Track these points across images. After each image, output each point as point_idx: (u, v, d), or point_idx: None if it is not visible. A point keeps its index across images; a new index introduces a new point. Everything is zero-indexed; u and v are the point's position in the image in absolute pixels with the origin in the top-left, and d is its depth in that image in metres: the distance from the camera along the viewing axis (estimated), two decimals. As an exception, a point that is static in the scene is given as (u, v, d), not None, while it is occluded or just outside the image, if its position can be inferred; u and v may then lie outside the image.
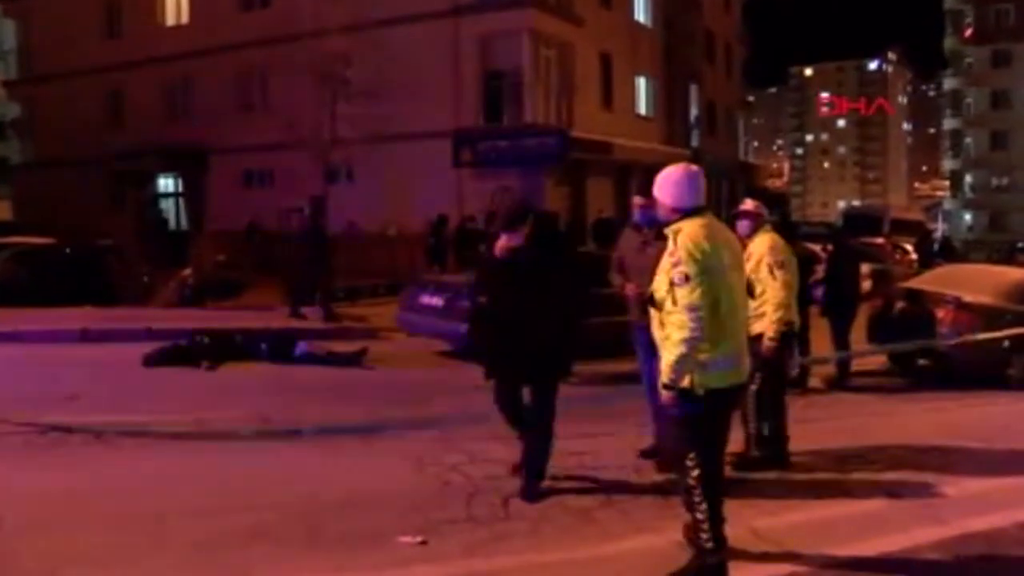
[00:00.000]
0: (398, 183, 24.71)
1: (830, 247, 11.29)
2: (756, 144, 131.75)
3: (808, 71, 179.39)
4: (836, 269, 10.67)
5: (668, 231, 4.23)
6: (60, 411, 7.47)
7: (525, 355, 5.57)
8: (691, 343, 4.00)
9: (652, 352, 4.76)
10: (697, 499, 4.12)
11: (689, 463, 4.13)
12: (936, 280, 12.19)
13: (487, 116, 25.89)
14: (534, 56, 25.68)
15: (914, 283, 12.58)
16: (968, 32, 70.02)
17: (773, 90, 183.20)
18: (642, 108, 33.47)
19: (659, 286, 4.22)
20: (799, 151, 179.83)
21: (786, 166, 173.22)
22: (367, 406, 8.36)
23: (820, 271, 10.78)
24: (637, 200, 6.10)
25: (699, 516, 4.12)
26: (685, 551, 4.51)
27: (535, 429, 5.67)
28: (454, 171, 25.70)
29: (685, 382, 4.06)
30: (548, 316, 5.55)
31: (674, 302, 4.06)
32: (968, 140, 72.34)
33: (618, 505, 5.37)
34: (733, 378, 4.19)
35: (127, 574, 4.23)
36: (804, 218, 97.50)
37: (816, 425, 8.12)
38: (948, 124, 77.99)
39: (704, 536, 4.11)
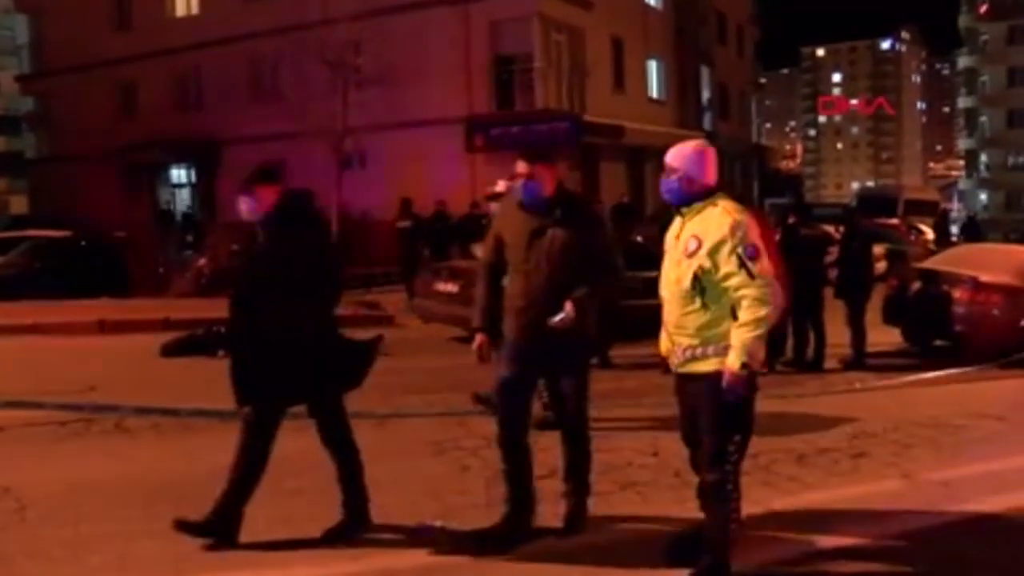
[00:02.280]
0: (411, 170, 24.70)
1: (843, 228, 11.23)
2: (769, 126, 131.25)
3: (820, 51, 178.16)
4: (850, 250, 10.63)
5: (698, 205, 3.95)
6: (80, 401, 7.54)
7: (275, 372, 4.42)
8: (771, 316, 3.80)
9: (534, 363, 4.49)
10: (731, 486, 3.92)
11: (731, 448, 3.90)
12: (952, 260, 12.12)
13: (499, 102, 25.85)
14: (544, 41, 25.59)
15: (930, 263, 12.52)
16: (983, 9, 69.34)
17: (785, 71, 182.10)
18: (654, 91, 33.32)
19: (712, 268, 3.83)
20: (812, 132, 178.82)
21: (799, 148, 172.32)
22: (384, 392, 8.38)
23: (834, 253, 10.75)
24: (521, 168, 4.53)
25: (733, 504, 3.94)
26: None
27: (339, 457, 4.69)
28: (467, 157, 25.68)
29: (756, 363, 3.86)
30: (282, 314, 4.39)
31: (751, 275, 3.75)
32: (983, 119, 71.73)
33: (636, 488, 5.39)
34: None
35: (149, 560, 4.27)
36: (818, 199, 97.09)
37: (832, 405, 8.12)
38: (963, 103, 77.43)
39: (734, 524, 3.96)
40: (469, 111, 25.69)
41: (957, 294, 10.54)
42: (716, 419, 3.89)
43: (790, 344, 10.33)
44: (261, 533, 4.51)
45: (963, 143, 78.78)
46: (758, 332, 3.76)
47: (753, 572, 4.18)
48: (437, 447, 6.32)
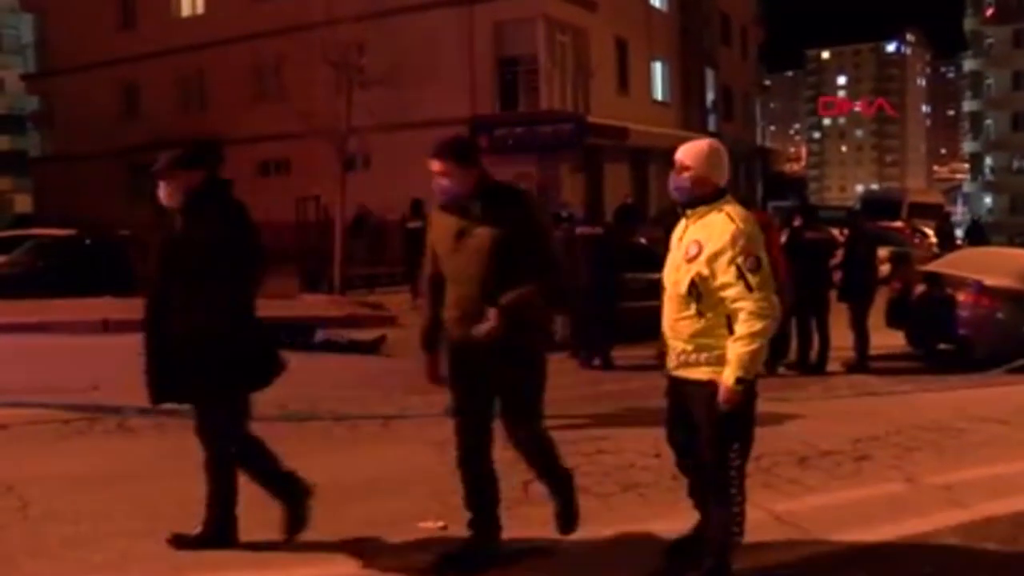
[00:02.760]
0: (416, 171, 24.57)
1: (847, 231, 11.23)
2: (773, 128, 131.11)
3: (825, 54, 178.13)
4: (854, 253, 10.62)
5: (703, 209, 3.88)
6: (83, 400, 7.56)
7: (166, 364, 4.22)
8: (770, 329, 3.71)
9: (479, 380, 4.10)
10: (735, 491, 3.87)
11: (732, 454, 3.85)
12: (956, 263, 12.12)
13: (503, 103, 25.86)
14: (549, 42, 25.60)
15: (934, 266, 12.51)
16: (989, 12, 69.26)
17: (790, 74, 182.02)
18: (658, 93, 33.32)
19: (709, 275, 3.76)
20: (816, 135, 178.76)
21: (803, 150, 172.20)
22: (386, 392, 8.41)
23: (839, 255, 10.74)
24: (435, 166, 4.11)
25: (736, 509, 3.90)
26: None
27: (213, 463, 4.39)
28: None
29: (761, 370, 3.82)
30: (198, 308, 4.14)
31: (749, 288, 3.67)
32: (988, 122, 71.64)
33: (638, 489, 5.38)
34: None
35: (150, 559, 4.27)
36: (822, 202, 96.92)
37: (835, 408, 8.12)
38: (968, 106, 77.32)
39: (737, 529, 3.92)
40: (473, 112, 25.69)
41: (961, 297, 10.53)
42: (713, 429, 3.84)
43: (793, 346, 10.32)
44: (262, 533, 4.51)
45: (968, 146, 78.69)
46: (754, 346, 3.69)
47: (753, 575, 4.17)
48: (439, 448, 6.30)
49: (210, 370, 4.16)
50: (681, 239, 3.96)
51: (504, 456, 5.99)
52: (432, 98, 24.32)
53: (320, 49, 20.13)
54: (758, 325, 3.67)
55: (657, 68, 33.10)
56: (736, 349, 3.70)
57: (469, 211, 4.03)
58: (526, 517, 4.87)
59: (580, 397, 8.72)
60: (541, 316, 4.21)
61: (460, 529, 4.66)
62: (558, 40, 26.12)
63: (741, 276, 3.68)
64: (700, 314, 3.81)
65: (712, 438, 3.86)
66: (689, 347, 3.86)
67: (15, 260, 16.00)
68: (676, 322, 3.91)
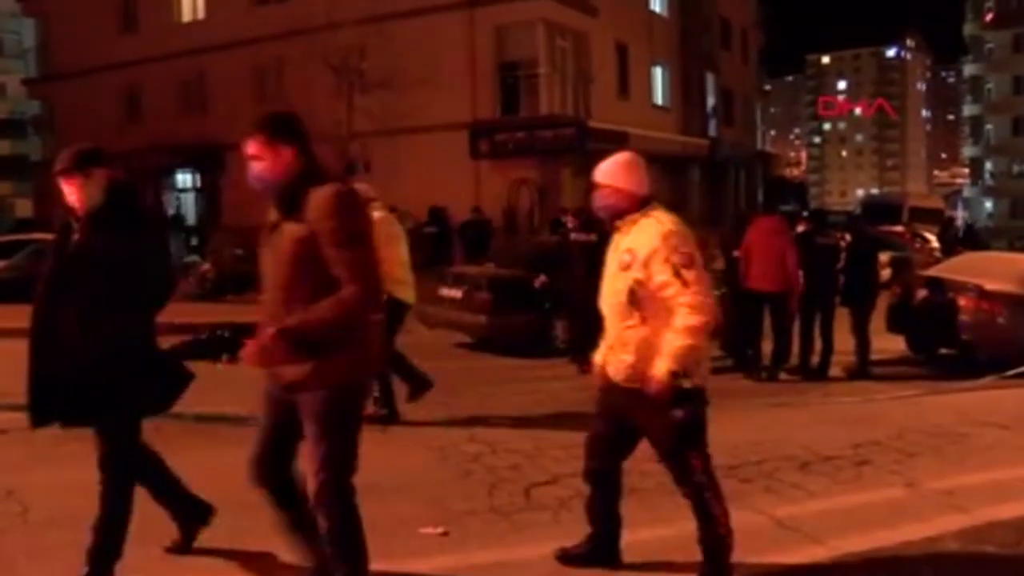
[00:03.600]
0: (416, 175, 24.72)
1: (848, 236, 11.23)
2: (773, 133, 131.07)
3: (825, 59, 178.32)
4: (855, 258, 10.62)
5: (631, 218, 3.92)
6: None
7: (55, 384, 3.81)
8: (708, 326, 3.73)
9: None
10: (709, 495, 3.91)
11: (693, 461, 3.88)
12: (957, 268, 12.11)
13: (504, 107, 25.89)
14: (549, 46, 25.63)
15: (935, 271, 12.50)
16: (989, 16, 69.28)
17: (790, 78, 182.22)
18: (659, 98, 33.34)
19: (643, 278, 3.79)
20: (816, 140, 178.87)
21: (804, 155, 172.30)
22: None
23: (841, 260, 10.74)
24: (248, 148, 3.58)
25: (716, 512, 3.93)
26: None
27: (106, 493, 3.95)
28: (472, 163, 25.71)
29: (696, 380, 3.82)
30: (91, 328, 3.71)
31: (685, 284, 3.68)
32: (989, 126, 71.64)
33: (638, 495, 5.36)
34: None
35: (149, 563, 4.27)
36: (822, 207, 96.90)
37: (836, 413, 8.11)
38: (968, 110, 77.30)
39: (723, 530, 3.94)
40: (474, 116, 25.72)
41: (962, 302, 10.53)
42: (668, 439, 3.88)
43: (795, 351, 10.32)
44: (263, 536, 4.50)
45: (968, 151, 78.67)
46: (690, 341, 3.71)
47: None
48: (440, 453, 6.31)
49: (97, 396, 3.78)
50: (615, 251, 3.99)
51: (506, 461, 6.00)
52: (433, 102, 24.34)
53: (321, 53, 20.21)
54: (694, 319, 3.70)
55: (657, 72, 33.13)
56: (672, 341, 3.73)
57: (282, 203, 3.44)
58: (527, 522, 4.87)
59: (578, 402, 8.70)
60: (341, 342, 3.40)
61: (461, 535, 4.66)
62: (558, 44, 26.14)
63: (676, 274, 3.72)
64: (644, 321, 3.84)
65: (668, 449, 3.91)
66: (635, 358, 3.85)
67: (16, 265, 16.01)
68: (622, 333, 3.91)
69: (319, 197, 3.30)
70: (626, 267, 3.85)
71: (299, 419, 3.49)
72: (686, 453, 3.88)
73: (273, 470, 3.68)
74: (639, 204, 3.94)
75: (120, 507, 3.91)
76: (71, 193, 3.87)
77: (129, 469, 3.99)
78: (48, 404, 3.83)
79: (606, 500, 4.20)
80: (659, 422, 3.85)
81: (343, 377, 3.42)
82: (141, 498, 4.19)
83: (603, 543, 4.21)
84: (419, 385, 7.61)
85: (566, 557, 4.23)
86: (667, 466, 4.00)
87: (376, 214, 7.49)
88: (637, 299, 3.81)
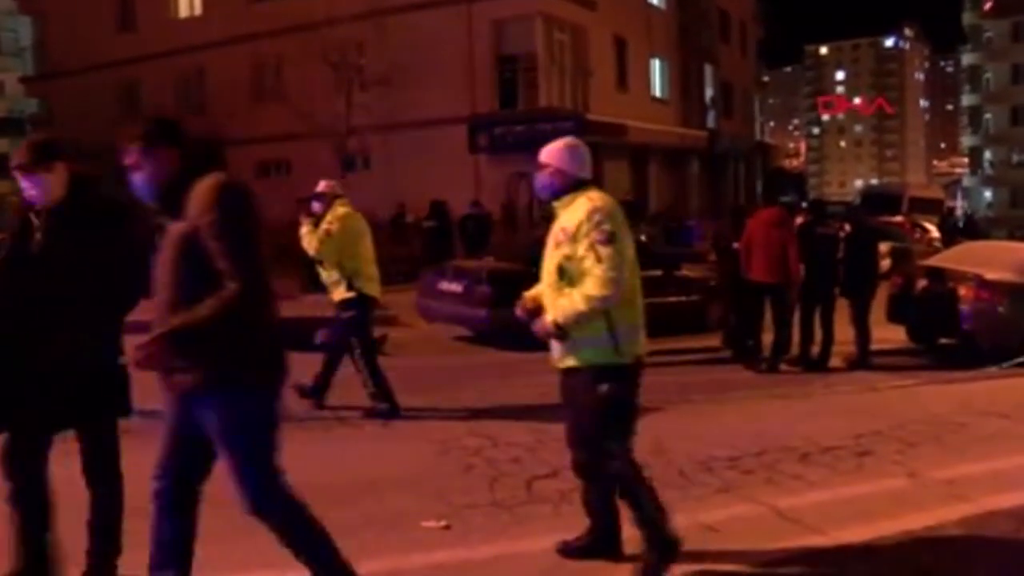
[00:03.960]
0: (415, 170, 24.73)
1: (848, 227, 11.24)
2: (772, 124, 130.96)
3: (823, 49, 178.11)
4: (854, 248, 10.62)
5: (568, 198, 3.99)
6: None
7: (40, 388, 3.57)
8: (607, 302, 3.77)
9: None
10: (634, 483, 3.93)
11: (615, 447, 3.91)
12: (957, 258, 12.11)
13: (502, 101, 25.88)
14: (547, 40, 25.62)
15: (935, 261, 12.50)
16: (988, 6, 69.15)
17: (789, 69, 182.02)
18: (657, 90, 33.33)
19: (571, 253, 3.86)
20: (815, 130, 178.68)
21: (803, 146, 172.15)
22: (388, 393, 8.39)
23: (840, 251, 10.75)
24: (126, 158, 3.42)
25: (643, 499, 3.93)
26: (704, 533, 4.52)
27: (96, 493, 3.91)
28: (471, 157, 25.71)
29: (626, 358, 3.88)
30: (53, 331, 3.51)
31: (598, 260, 3.76)
32: (987, 116, 71.56)
33: (640, 487, 5.37)
34: (645, 347, 4.10)
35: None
36: (821, 197, 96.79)
37: (837, 404, 8.11)
38: (967, 100, 77.23)
39: (656, 514, 3.92)
40: (472, 111, 25.72)
41: (962, 292, 10.53)
42: (594, 414, 3.93)
43: (795, 342, 10.33)
44: (263, 531, 4.51)
45: (967, 140, 78.57)
46: (582, 308, 3.79)
47: (757, 571, 4.18)
48: (441, 447, 6.32)
49: (86, 396, 3.67)
50: (553, 231, 4.06)
51: (507, 454, 6.01)
52: (431, 97, 24.35)
53: (319, 49, 20.19)
54: (595, 291, 3.76)
55: (656, 65, 33.10)
56: (568, 298, 3.84)
57: (168, 205, 3.27)
58: (528, 515, 4.88)
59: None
60: (235, 343, 3.15)
61: (463, 528, 4.67)
62: (556, 38, 26.12)
63: (592, 248, 3.79)
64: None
65: (593, 423, 3.95)
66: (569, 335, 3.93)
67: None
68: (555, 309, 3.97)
69: (199, 189, 3.14)
70: (558, 244, 3.95)
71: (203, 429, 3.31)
72: (608, 432, 3.92)
73: (180, 478, 3.53)
74: (577, 186, 4.02)
75: (118, 499, 3.92)
76: (31, 188, 3.63)
77: (110, 467, 3.92)
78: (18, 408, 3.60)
79: (599, 491, 4.21)
80: (585, 398, 3.92)
81: (239, 380, 3.20)
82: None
83: (603, 535, 4.22)
84: (388, 409, 7.51)
85: (567, 550, 4.24)
86: (586, 452, 4.02)
87: (341, 210, 7.57)
88: (566, 274, 3.89)
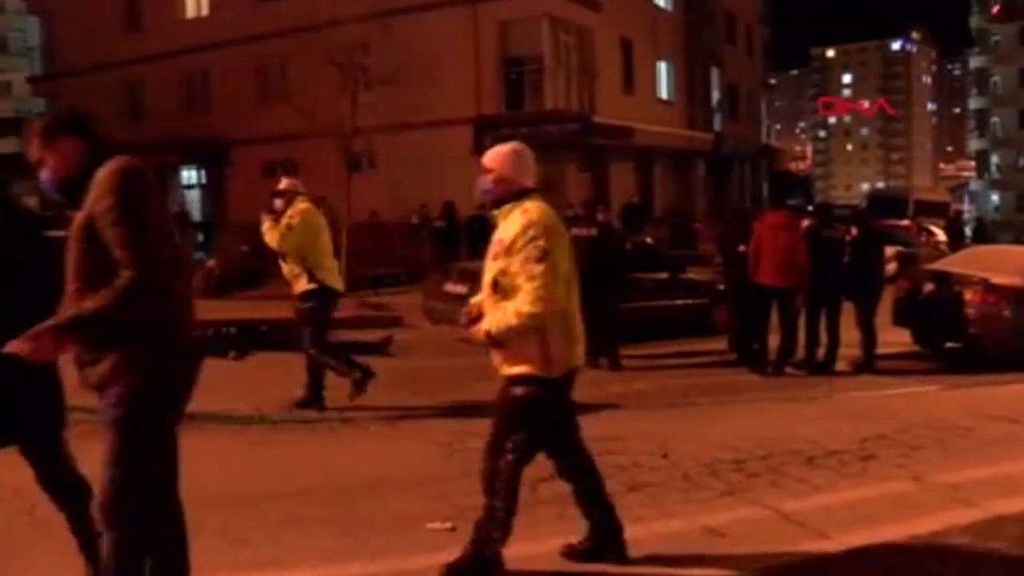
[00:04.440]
0: (420, 171, 24.74)
1: (854, 230, 11.24)
2: (778, 127, 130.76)
3: (830, 52, 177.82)
4: (860, 252, 10.61)
5: (507, 207, 3.93)
6: (90, 402, 7.55)
7: None
8: (536, 319, 3.74)
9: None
10: (501, 485, 3.93)
11: (511, 444, 3.91)
12: (963, 261, 12.09)
13: (508, 103, 25.89)
14: (553, 42, 25.61)
15: (941, 265, 12.48)
16: (995, 9, 69.05)
17: (795, 72, 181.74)
18: (663, 92, 33.31)
19: (506, 267, 3.83)
20: (822, 133, 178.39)
21: (809, 149, 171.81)
22: (393, 393, 8.40)
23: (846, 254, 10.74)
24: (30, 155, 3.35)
25: (497, 504, 3.94)
26: (708, 536, 4.52)
27: (63, 500, 3.76)
28: (476, 158, 25.59)
29: (550, 371, 3.86)
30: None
31: (530, 277, 3.73)
32: (995, 119, 71.43)
33: (645, 490, 5.37)
34: (581, 358, 4.10)
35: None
36: (827, 200, 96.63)
37: (842, 407, 8.10)
38: (974, 103, 77.09)
39: (495, 525, 3.94)
40: (478, 112, 25.73)
41: (968, 296, 10.51)
42: (502, 413, 3.96)
43: (801, 345, 10.32)
44: (271, 533, 4.52)
45: (974, 144, 78.44)
46: (513, 322, 3.77)
47: (762, 574, 4.17)
48: (446, 448, 6.32)
49: (19, 411, 3.56)
50: (493, 240, 4.02)
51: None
52: (437, 98, 24.34)
53: (324, 50, 20.16)
54: (526, 308, 3.74)
55: (662, 67, 33.08)
56: (503, 311, 3.81)
57: (71, 195, 3.16)
58: (533, 518, 4.87)
59: (586, 398, 8.71)
60: (131, 336, 3.02)
61: (468, 530, 4.66)
62: (562, 40, 26.11)
63: (524, 264, 3.75)
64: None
65: (498, 421, 3.98)
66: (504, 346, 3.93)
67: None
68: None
69: (98, 176, 3.04)
70: (495, 257, 3.91)
71: None
72: (509, 430, 3.93)
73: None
74: (520, 194, 3.96)
75: (85, 503, 3.50)
76: None
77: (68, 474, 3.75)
78: None
79: (587, 491, 4.21)
80: (503, 396, 3.96)
81: (133, 377, 3.03)
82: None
83: (605, 535, 4.21)
84: (362, 376, 7.79)
85: (572, 553, 4.23)
86: (490, 440, 4.03)
87: (301, 205, 7.79)
88: (501, 288, 3.86)
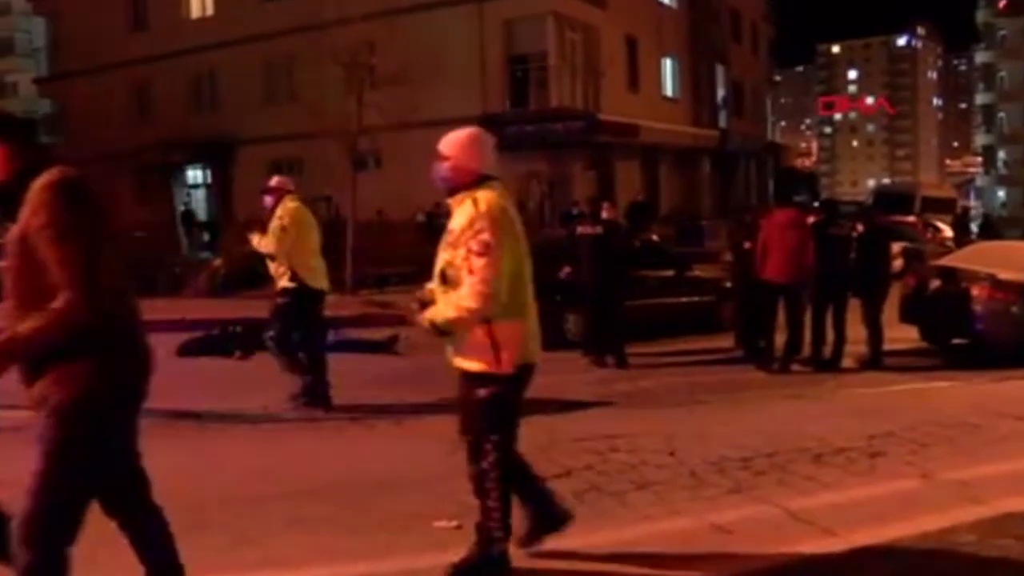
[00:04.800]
0: (426, 170, 24.64)
1: (860, 227, 11.22)
2: (784, 123, 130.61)
3: (835, 48, 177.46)
4: (867, 248, 10.59)
5: (461, 196, 3.86)
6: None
7: None
8: (475, 313, 3.70)
9: None
10: (491, 485, 3.91)
11: (488, 446, 3.89)
12: (970, 258, 12.05)
13: (513, 101, 25.91)
14: (559, 39, 25.62)
15: (948, 261, 12.44)
16: (1002, 3, 68.78)
17: (800, 69, 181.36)
18: (668, 90, 33.28)
19: (451, 258, 3.79)
20: (827, 130, 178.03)
21: (814, 145, 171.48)
22: (399, 391, 8.42)
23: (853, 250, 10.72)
24: None
25: (491, 504, 3.92)
26: (715, 534, 4.51)
27: None
28: (480, 156, 25.72)
29: (504, 367, 3.81)
30: None
31: (470, 271, 3.67)
32: (1001, 115, 71.19)
33: (652, 488, 5.36)
34: (537, 354, 4.04)
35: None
36: (833, 197, 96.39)
37: (849, 404, 8.08)
38: (980, 99, 76.86)
39: (494, 524, 3.93)
40: (484, 110, 25.72)
41: (975, 292, 10.48)
42: (471, 415, 3.95)
43: (807, 342, 10.30)
44: (277, 532, 4.52)
45: (980, 139, 78.19)
46: (451, 315, 3.75)
47: (769, 572, 4.16)
48: (453, 446, 6.29)
49: None
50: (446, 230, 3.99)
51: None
52: (443, 96, 24.36)
53: (330, 49, 20.19)
54: (465, 302, 3.70)
55: (667, 64, 33.04)
56: (444, 303, 3.80)
57: (4, 203, 2.96)
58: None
59: (591, 395, 8.71)
60: (73, 356, 2.87)
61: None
62: (568, 37, 26.11)
63: (467, 257, 3.70)
64: None
65: (470, 423, 3.97)
66: (454, 336, 3.92)
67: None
68: None
69: (33, 188, 2.83)
70: (444, 247, 3.87)
71: None
72: (483, 436, 3.92)
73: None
74: (476, 182, 3.87)
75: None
76: None
77: None
78: None
79: (523, 483, 4.18)
80: (467, 398, 3.94)
81: (68, 397, 2.88)
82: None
83: (543, 514, 4.21)
84: (313, 387, 7.81)
85: (525, 540, 4.20)
86: (464, 441, 4.04)
87: (290, 204, 7.84)
88: (448, 279, 3.83)
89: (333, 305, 15.14)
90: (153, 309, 14.04)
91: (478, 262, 3.66)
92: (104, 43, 32.90)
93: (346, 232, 18.51)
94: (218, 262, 18.28)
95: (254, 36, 28.58)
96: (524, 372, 3.95)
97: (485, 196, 3.79)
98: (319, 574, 4.18)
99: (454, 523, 4.71)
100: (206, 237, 28.60)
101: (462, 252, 3.72)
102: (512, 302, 3.80)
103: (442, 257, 3.87)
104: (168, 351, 10.16)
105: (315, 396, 7.79)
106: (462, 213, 3.80)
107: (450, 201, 3.94)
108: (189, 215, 31.91)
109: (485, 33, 25.77)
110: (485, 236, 3.67)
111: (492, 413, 3.90)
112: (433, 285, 3.97)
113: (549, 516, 4.24)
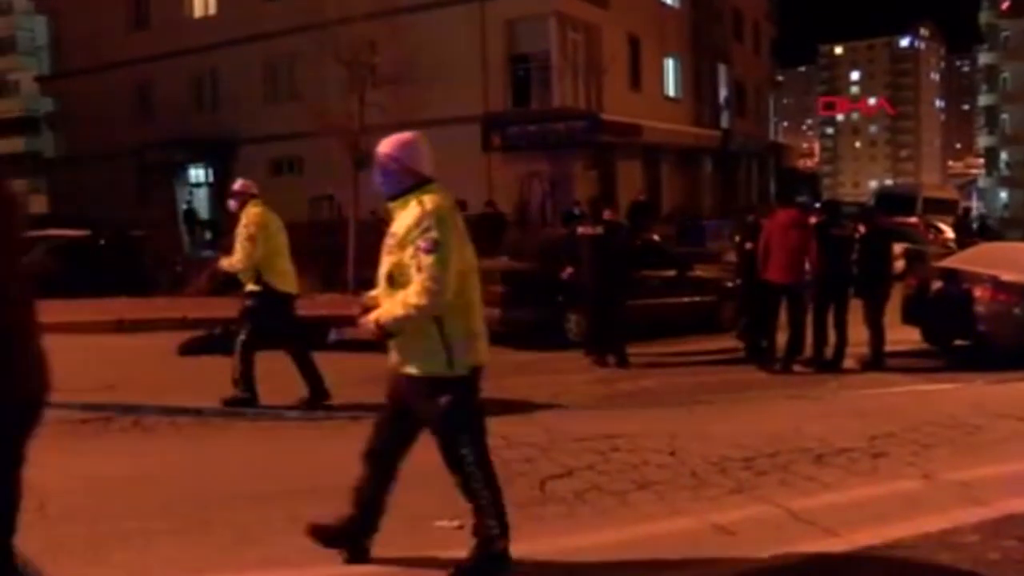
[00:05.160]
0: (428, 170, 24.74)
1: (862, 228, 11.21)
2: (786, 124, 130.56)
3: (838, 49, 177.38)
4: (869, 249, 10.58)
5: (406, 199, 3.86)
6: (99, 399, 7.59)
7: None
8: (423, 311, 3.70)
9: None
10: (477, 486, 3.93)
11: (464, 451, 3.91)
12: (973, 259, 12.03)
13: (515, 100, 25.90)
14: (561, 39, 25.61)
15: (950, 262, 12.44)
16: (1005, 5, 68.72)
17: (803, 69, 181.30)
18: (671, 89, 33.25)
19: (399, 260, 3.80)
20: (829, 130, 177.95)
21: (816, 146, 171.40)
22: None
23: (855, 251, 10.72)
24: None
25: (482, 503, 3.93)
26: (717, 534, 4.51)
27: None
28: (484, 156, 25.71)
29: (450, 367, 3.81)
30: None
31: (419, 268, 3.68)
32: (1004, 116, 71.14)
33: (653, 488, 5.36)
34: (486, 354, 4.02)
35: (169, 558, 4.29)
36: (835, 198, 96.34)
37: (851, 405, 8.07)
38: (983, 100, 76.79)
39: (490, 523, 3.93)
40: (486, 110, 25.73)
41: (977, 293, 10.47)
42: (436, 426, 3.93)
43: (809, 343, 10.30)
44: (279, 531, 4.52)
45: (983, 141, 78.15)
46: (400, 312, 3.73)
47: (770, 573, 4.16)
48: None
49: None
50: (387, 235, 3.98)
51: (520, 454, 6.00)
52: (445, 96, 24.33)
53: (332, 48, 20.19)
54: (414, 299, 3.70)
55: (669, 64, 33.01)
56: (393, 303, 3.78)
57: None
58: (542, 515, 4.87)
59: (593, 395, 8.71)
60: None
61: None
62: (570, 37, 26.10)
63: (415, 255, 3.71)
64: None
65: (438, 434, 3.96)
66: (399, 341, 3.90)
67: (30, 261, 16.10)
68: None
69: None
70: (390, 251, 3.86)
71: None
72: (456, 441, 3.93)
73: None
74: (417, 184, 3.89)
75: None
76: None
77: None
78: None
79: (376, 486, 4.19)
80: (427, 408, 3.92)
81: None
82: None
83: (356, 527, 4.19)
84: (245, 397, 7.72)
85: (315, 528, 4.19)
86: (440, 451, 4.02)
87: (253, 210, 7.87)
88: (396, 282, 3.82)
89: (336, 304, 15.16)
90: (155, 308, 14.07)
91: (427, 259, 3.68)
92: (106, 41, 32.91)
93: (348, 232, 18.50)
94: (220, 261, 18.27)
95: (256, 35, 28.57)
96: (475, 374, 3.95)
97: (431, 197, 3.82)
98: (320, 573, 4.18)
99: (455, 523, 4.71)
100: (208, 236, 28.60)
101: (410, 251, 3.73)
102: (459, 301, 3.80)
103: (387, 261, 3.87)
104: (170, 350, 10.19)
105: (314, 397, 7.79)
106: (408, 214, 3.80)
107: (392, 205, 3.94)
108: (191, 214, 31.92)
109: (487, 32, 25.75)
110: (433, 234, 3.69)
111: (457, 419, 3.90)
112: (378, 291, 3.97)
113: (359, 530, 4.20)
